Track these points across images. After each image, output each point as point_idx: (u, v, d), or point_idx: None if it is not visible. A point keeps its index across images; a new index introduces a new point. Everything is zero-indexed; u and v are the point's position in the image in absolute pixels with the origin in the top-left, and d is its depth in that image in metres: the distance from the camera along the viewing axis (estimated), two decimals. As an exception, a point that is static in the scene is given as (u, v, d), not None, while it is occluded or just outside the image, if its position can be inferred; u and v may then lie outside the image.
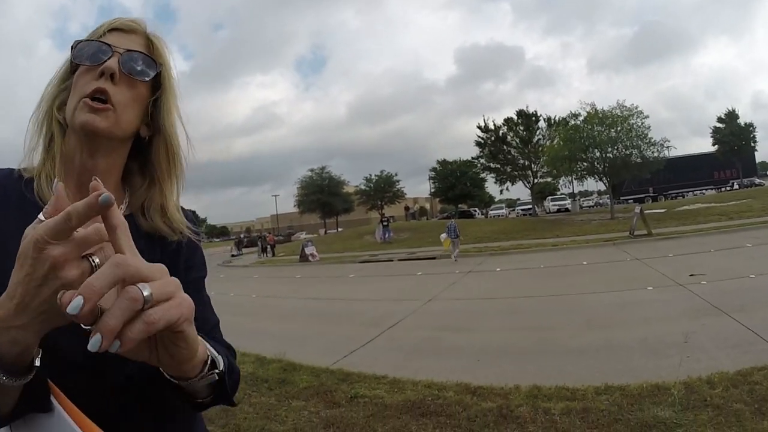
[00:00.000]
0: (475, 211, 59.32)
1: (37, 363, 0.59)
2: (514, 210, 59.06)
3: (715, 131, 52.04)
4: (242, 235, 53.11)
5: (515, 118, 43.64)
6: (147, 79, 0.84)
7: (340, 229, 53.78)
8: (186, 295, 0.57)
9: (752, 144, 51.62)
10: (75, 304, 0.47)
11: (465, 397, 4.17)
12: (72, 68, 0.84)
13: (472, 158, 48.24)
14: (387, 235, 27.86)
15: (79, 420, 0.62)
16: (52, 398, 0.63)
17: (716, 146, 51.84)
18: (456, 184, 52.53)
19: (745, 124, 50.97)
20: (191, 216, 0.98)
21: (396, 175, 57.41)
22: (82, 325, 0.50)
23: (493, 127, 44.41)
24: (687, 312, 6.40)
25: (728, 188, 48.31)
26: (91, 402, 0.65)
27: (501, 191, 48.95)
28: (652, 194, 49.39)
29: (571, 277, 10.97)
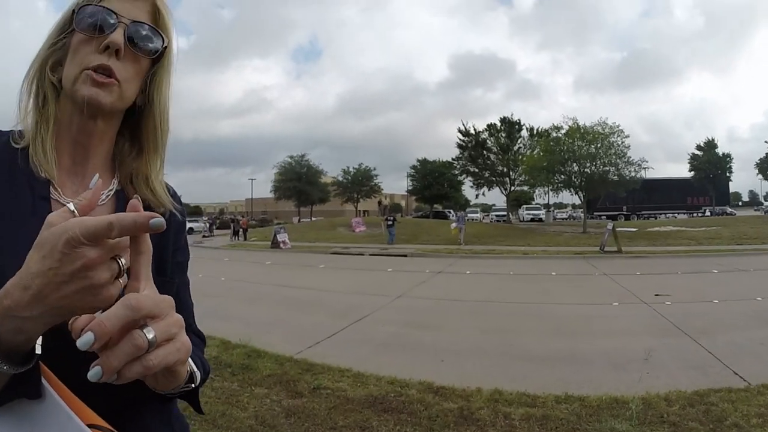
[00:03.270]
0: (450, 212, 59.66)
1: (38, 351, 0.58)
2: (488, 215, 59.56)
3: (693, 158, 53.42)
4: (208, 218, 51.21)
5: (498, 124, 43.84)
6: (153, 56, 0.82)
7: (314, 219, 53.50)
8: (186, 338, 0.60)
9: (728, 174, 53.07)
10: (86, 340, 0.50)
11: (427, 395, 4.18)
12: (68, 27, 0.79)
13: (452, 159, 48.37)
14: (391, 237, 24.67)
15: (74, 405, 0.61)
16: (44, 382, 0.61)
17: (692, 172, 53.10)
18: (433, 184, 52.69)
19: (723, 154, 52.37)
20: (173, 191, 0.96)
21: (375, 169, 57.33)
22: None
23: (474, 132, 44.55)
24: (650, 330, 6.54)
25: (700, 214, 49.54)
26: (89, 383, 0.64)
27: (477, 195, 49.42)
28: (625, 212, 50.27)
29: (540, 285, 11.12)
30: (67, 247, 0.50)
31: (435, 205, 57.16)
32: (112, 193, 0.85)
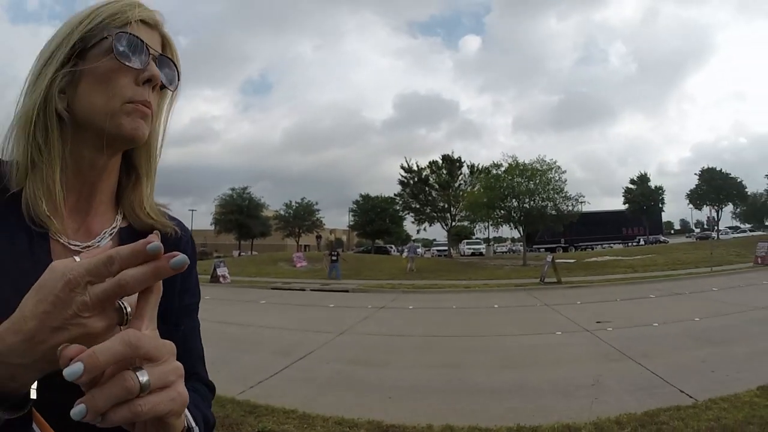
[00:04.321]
0: (391, 247, 59.89)
1: (33, 395, 0.54)
2: (429, 250, 60.17)
3: (627, 191, 56.74)
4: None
5: (440, 161, 44.82)
6: (173, 90, 0.81)
7: (254, 253, 52.34)
8: (183, 389, 0.53)
9: (660, 205, 56.61)
10: (74, 370, 0.44)
11: (377, 435, 4.02)
12: (82, 48, 0.71)
13: (394, 195, 48.86)
14: (336, 272, 23.88)
15: None
16: (34, 426, 0.57)
17: (627, 205, 56.22)
18: (375, 220, 52.94)
19: (655, 186, 55.99)
20: (181, 224, 0.93)
21: (317, 204, 57.08)
22: None
23: (416, 168, 45.32)
24: (594, 356, 6.69)
25: (635, 243, 52.26)
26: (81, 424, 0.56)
27: (418, 231, 49.80)
28: (563, 245, 52.21)
29: (484, 318, 11.20)
30: (66, 289, 0.46)
31: (377, 240, 57.29)
32: (115, 231, 0.80)
